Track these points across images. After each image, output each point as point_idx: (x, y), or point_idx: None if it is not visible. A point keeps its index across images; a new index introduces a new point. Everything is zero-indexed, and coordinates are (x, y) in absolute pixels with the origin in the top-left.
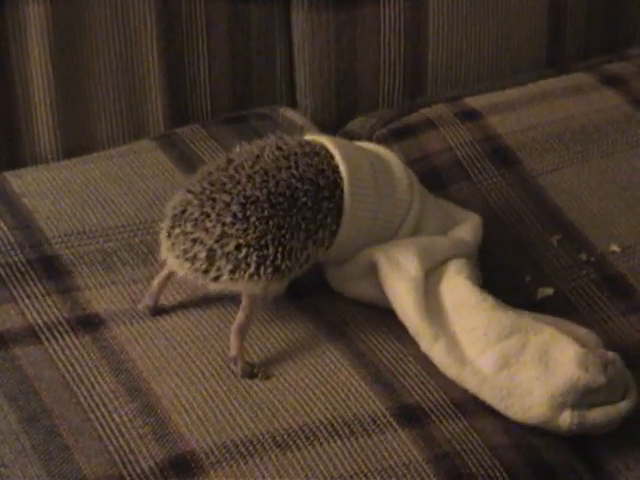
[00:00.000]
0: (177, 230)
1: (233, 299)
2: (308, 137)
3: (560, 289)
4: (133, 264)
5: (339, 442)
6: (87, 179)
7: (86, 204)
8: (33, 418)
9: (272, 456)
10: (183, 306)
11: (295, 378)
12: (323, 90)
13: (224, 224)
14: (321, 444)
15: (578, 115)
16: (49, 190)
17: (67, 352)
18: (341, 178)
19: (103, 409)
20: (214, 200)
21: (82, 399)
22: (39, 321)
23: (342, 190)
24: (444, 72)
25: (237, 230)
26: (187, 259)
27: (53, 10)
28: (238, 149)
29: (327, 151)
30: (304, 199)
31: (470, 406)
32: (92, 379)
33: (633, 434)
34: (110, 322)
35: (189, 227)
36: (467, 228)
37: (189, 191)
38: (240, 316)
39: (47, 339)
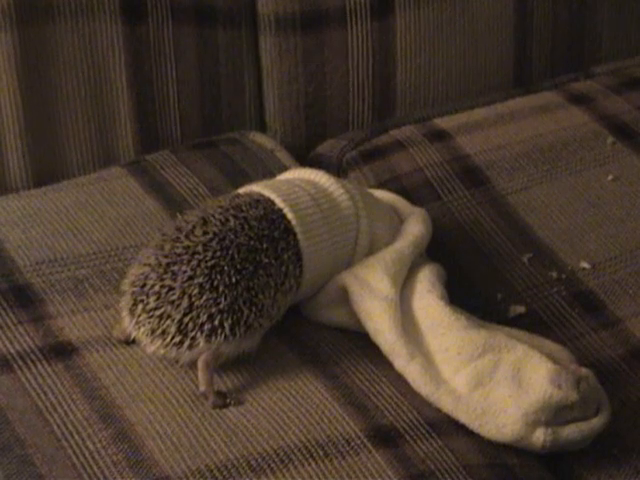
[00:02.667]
0: (140, 307)
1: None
2: (240, 190)
3: (532, 307)
4: (105, 290)
5: (314, 465)
6: (57, 207)
7: (57, 232)
8: (6, 447)
9: None
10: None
11: (269, 402)
12: (292, 114)
13: (191, 296)
14: (295, 467)
15: (546, 133)
16: (19, 219)
17: (40, 380)
18: (290, 222)
19: (77, 437)
20: (174, 272)
21: (55, 427)
22: (11, 350)
23: (295, 234)
24: (413, 93)
25: (207, 300)
26: (157, 336)
27: (20, 37)
28: (179, 216)
29: (265, 197)
30: (266, 259)
31: (444, 426)
32: (65, 407)
33: (606, 450)
34: (83, 349)
35: (152, 303)
36: (416, 221)
37: (145, 264)
38: (207, 353)
39: (19, 368)
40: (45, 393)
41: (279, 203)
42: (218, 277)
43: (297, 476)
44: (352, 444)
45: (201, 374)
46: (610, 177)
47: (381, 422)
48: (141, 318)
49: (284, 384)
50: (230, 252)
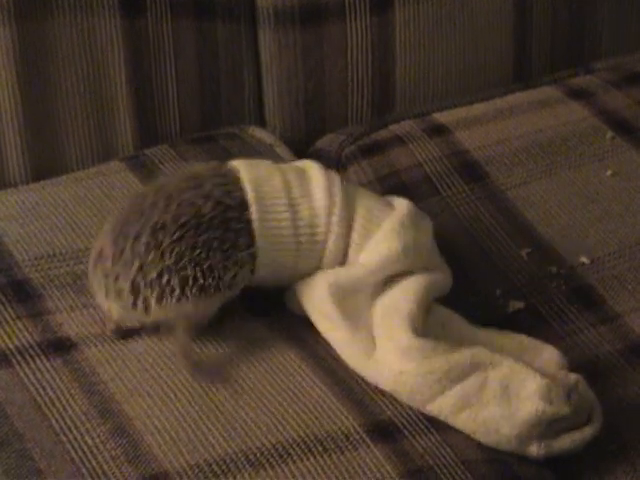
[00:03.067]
0: (98, 271)
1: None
2: (220, 163)
3: (531, 302)
4: None
5: (312, 460)
6: (56, 202)
7: (56, 227)
8: (4, 442)
9: (245, 475)
10: (154, 327)
11: (267, 396)
12: (292, 109)
13: (140, 255)
14: (294, 462)
15: (546, 129)
16: (18, 214)
17: (38, 375)
18: (247, 196)
19: (75, 432)
20: (125, 234)
21: (54, 422)
22: (10, 345)
23: (249, 209)
24: (412, 88)
25: (154, 258)
26: (113, 298)
27: (19, 32)
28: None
29: (236, 173)
30: (210, 216)
31: (442, 421)
32: (64, 402)
33: (605, 446)
34: (81, 344)
35: (108, 266)
36: (385, 238)
37: (103, 233)
38: (179, 345)
39: (18, 363)
40: (44, 388)
41: (244, 179)
42: (161, 233)
43: (296, 471)
44: (351, 439)
45: (183, 365)
46: (609, 172)
47: (380, 417)
48: (100, 281)
49: (283, 379)
50: (172, 207)
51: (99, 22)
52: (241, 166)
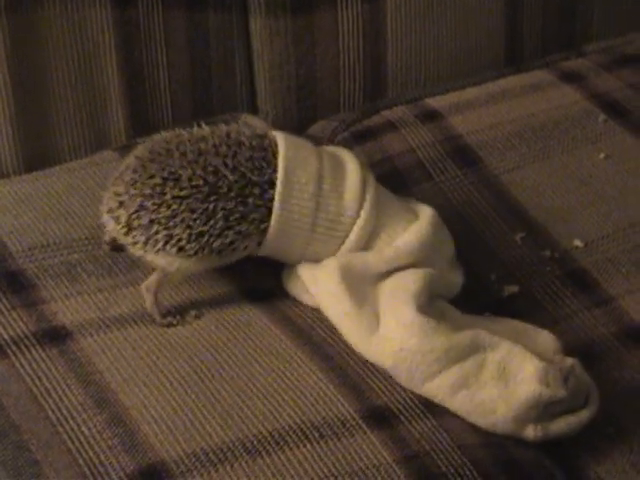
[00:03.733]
0: (112, 187)
1: (200, 309)
2: (272, 132)
3: (525, 286)
4: (98, 274)
5: (309, 446)
6: (49, 192)
7: (49, 217)
8: (1, 433)
9: (242, 463)
10: (150, 315)
11: (263, 383)
12: (284, 95)
13: (144, 195)
14: (291, 449)
15: (538, 112)
16: (11, 204)
17: (34, 366)
18: (275, 174)
19: (72, 422)
20: (144, 168)
21: (50, 412)
22: (5, 336)
23: (273, 186)
24: (404, 74)
25: (152, 204)
26: (112, 217)
27: (10, 23)
28: (204, 128)
29: (275, 150)
30: (226, 189)
31: (438, 406)
32: (60, 392)
33: (602, 429)
34: (77, 334)
35: (120, 188)
36: (412, 232)
37: (135, 156)
38: (152, 278)
39: (14, 353)
40: (40, 378)
41: (280, 159)
42: (171, 184)
43: (292, 458)
44: (347, 425)
45: (145, 296)
46: (602, 155)
47: (376, 403)
48: (109, 196)
49: (279, 366)
50: (195, 166)
51: (90, 12)
52: (282, 143)
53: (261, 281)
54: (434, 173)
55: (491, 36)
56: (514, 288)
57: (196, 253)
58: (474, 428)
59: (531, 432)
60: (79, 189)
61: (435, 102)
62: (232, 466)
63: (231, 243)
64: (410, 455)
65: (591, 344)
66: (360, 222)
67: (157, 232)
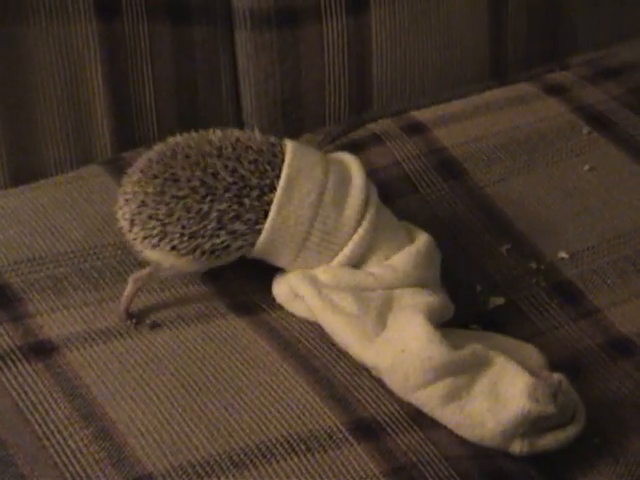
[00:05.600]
0: (122, 187)
1: (187, 322)
2: (285, 140)
3: (511, 298)
4: (84, 288)
5: (296, 459)
6: (35, 206)
7: (35, 231)
8: None
9: (229, 476)
10: (136, 329)
11: (250, 396)
12: (269, 110)
13: (146, 193)
14: (278, 462)
15: (523, 125)
16: None
17: (20, 380)
18: (278, 179)
19: (58, 436)
20: (150, 168)
21: (36, 427)
22: None
23: (274, 191)
24: (389, 87)
25: (152, 202)
26: (120, 215)
27: None
28: (215, 132)
29: (281, 148)
30: (222, 191)
31: (425, 418)
32: (46, 406)
33: (587, 439)
34: (63, 347)
35: (127, 187)
36: (406, 253)
37: (145, 157)
38: (143, 271)
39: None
40: (26, 392)
41: (285, 166)
42: (169, 184)
43: (279, 470)
44: (334, 438)
45: (129, 285)
46: (587, 167)
47: (362, 415)
48: (123, 190)
49: (265, 379)
50: (195, 168)
51: (75, 26)
52: (290, 150)
53: (247, 294)
54: (419, 186)
55: (476, 49)
56: (500, 300)
57: (188, 253)
58: (461, 440)
59: (518, 447)
60: (65, 203)
61: (420, 115)
62: (219, 479)
63: (224, 243)
64: (397, 467)
65: (577, 355)
66: (356, 239)
67: (154, 228)
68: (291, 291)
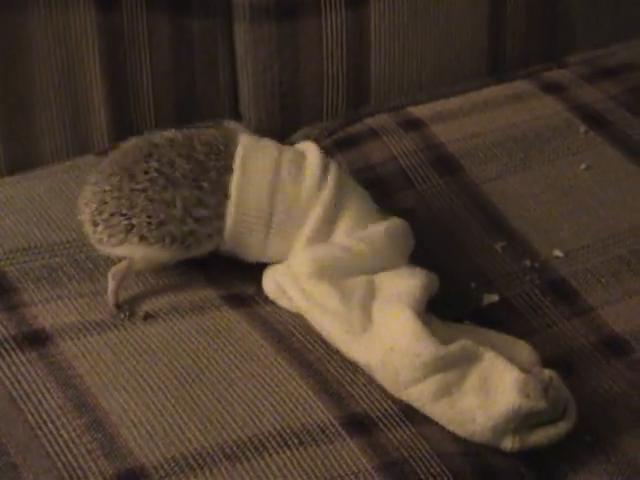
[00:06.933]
0: (85, 187)
1: (181, 313)
2: (235, 127)
3: (505, 295)
4: (79, 279)
5: (288, 453)
6: (31, 195)
7: (31, 221)
8: None
9: (222, 468)
10: (130, 320)
11: (243, 389)
12: (267, 102)
13: (104, 192)
14: (270, 455)
15: (520, 122)
16: None
17: (14, 369)
18: (234, 162)
19: (51, 425)
20: (105, 168)
21: (29, 416)
22: None
23: (231, 173)
24: (387, 82)
25: (112, 198)
26: (83, 217)
27: None
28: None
29: (234, 138)
30: (182, 178)
31: (418, 414)
32: (39, 395)
33: (579, 437)
34: (57, 337)
35: (86, 192)
36: (379, 226)
37: (114, 155)
38: (120, 265)
39: None
40: (19, 382)
41: (239, 148)
42: (127, 179)
43: (272, 464)
44: (326, 432)
45: (109, 282)
46: (583, 166)
47: (355, 410)
48: (80, 201)
49: (259, 372)
50: (151, 160)
51: (74, 16)
52: (242, 135)
53: (242, 287)
54: (416, 181)
55: (474, 46)
56: (494, 297)
57: (158, 242)
58: (453, 436)
59: (509, 443)
60: (61, 193)
61: (418, 111)
62: (211, 471)
63: (192, 232)
64: (389, 462)
65: (570, 353)
66: (319, 210)
67: (119, 223)
68: (279, 288)
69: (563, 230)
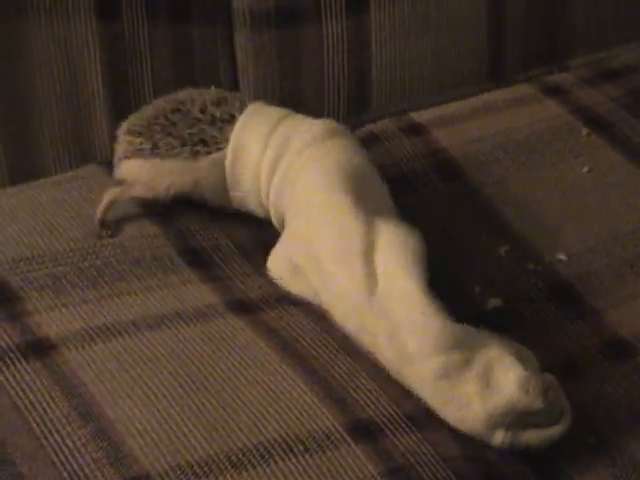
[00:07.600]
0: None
1: (186, 321)
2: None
3: (509, 299)
4: (83, 287)
5: (294, 459)
6: (34, 205)
7: (34, 230)
8: None
9: (227, 476)
10: (134, 327)
11: (248, 396)
12: None
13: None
14: (276, 462)
15: (521, 126)
16: None
17: (18, 378)
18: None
19: (56, 435)
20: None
21: (35, 425)
22: None
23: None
24: (388, 87)
25: (140, 139)
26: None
27: None
28: None
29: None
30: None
31: (423, 419)
32: (44, 405)
33: (584, 439)
34: (61, 346)
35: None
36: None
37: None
38: (116, 187)
39: None
40: (24, 391)
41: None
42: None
43: (277, 471)
44: (332, 438)
45: (104, 198)
46: (585, 169)
47: (360, 416)
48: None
49: (263, 379)
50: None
51: (75, 25)
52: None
53: (246, 293)
54: (418, 186)
55: (474, 51)
56: (498, 301)
57: (167, 149)
58: (458, 442)
59: (499, 437)
60: (64, 202)
61: (419, 116)
62: (217, 479)
63: (202, 131)
64: (395, 468)
65: (574, 356)
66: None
67: (138, 137)
68: (290, 265)
69: (566, 233)
